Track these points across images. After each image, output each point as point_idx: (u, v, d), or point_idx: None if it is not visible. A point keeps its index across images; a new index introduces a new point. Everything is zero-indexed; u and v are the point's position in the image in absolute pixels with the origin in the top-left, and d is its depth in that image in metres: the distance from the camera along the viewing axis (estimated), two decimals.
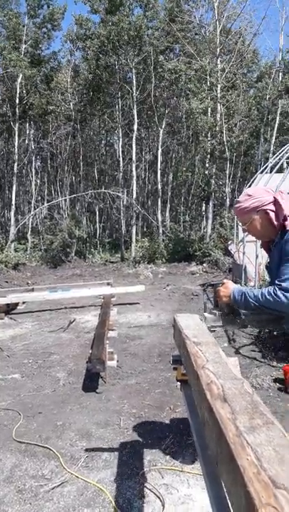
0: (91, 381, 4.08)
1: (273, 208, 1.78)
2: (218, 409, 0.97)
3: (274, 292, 1.65)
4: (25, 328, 6.52)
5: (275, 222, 1.77)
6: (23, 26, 17.43)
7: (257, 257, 6.55)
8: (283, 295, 1.63)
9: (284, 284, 1.64)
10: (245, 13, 16.43)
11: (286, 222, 1.74)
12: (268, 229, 1.81)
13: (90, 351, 4.41)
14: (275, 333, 4.98)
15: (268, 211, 1.78)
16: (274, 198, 1.79)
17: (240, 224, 1.96)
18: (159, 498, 2.30)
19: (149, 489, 2.39)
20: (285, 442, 0.79)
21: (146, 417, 3.32)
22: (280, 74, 18.78)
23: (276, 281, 1.68)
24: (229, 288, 1.85)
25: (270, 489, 0.66)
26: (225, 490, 0.97)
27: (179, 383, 2.08)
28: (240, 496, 0.72)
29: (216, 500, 1.13)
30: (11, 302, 7.70)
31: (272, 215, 1.78)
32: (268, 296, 1.67)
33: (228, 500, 0.85)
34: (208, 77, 14.88)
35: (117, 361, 4.60)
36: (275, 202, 1.78)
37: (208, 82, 15.03)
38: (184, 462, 2.64)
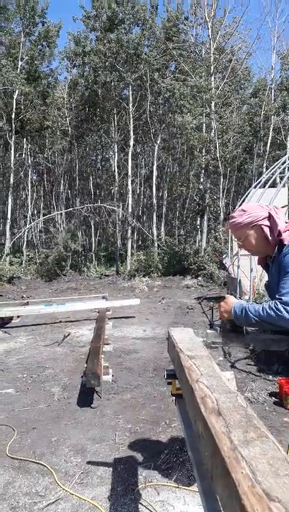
0: (86, 396, 4.05)
1: (268, 224, 1.78)
2: (212, 423, 0.98)
3: (275, 307, 1.63)
4: (19, 342, 6.47)
5: (270, 238, 1.77)
6: (19, 43, 17.74)
7: (251, 270, 6.59)
8: (284, 309, 1.60)
9: (285, 298, 1.62)
10: (240, 32, 16.87)
11: (282, 237, 1.74)
12: (262, 244, 1.81)
13: (85, 365, 4.39)
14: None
15: (263, 226, 1.78)
16: (268, 213, 1.79)
17: (235, 239, 1.97)
18: None
19: (145, 506, 2.36)
20: (279, 455, 0.81)
21: (141, 432, 3.29)
22: (272, 91, 19.21)
23: (277, 296, 1.66)
24: (230, 303, 1.81)
25: (264, 502, 0.67)
26: (220, 504, 0.98)
27: (173, 398, 2.08)
28: (236, 509, 0.72)
29: None
30: (5, 316, 7.66)
31: (266, 230, 1.78)
32: (269, 311, 1.64)
33: None
34: (202, 94, 15.16)
35: (112, 376, 4.57)
36: (270, 217, 1.78)
37: (203, 99, 15.31)
38: (180, 478, 2.62)
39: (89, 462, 2.87)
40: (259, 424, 0.95)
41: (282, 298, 1.63)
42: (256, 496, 0.69)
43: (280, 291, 1.66)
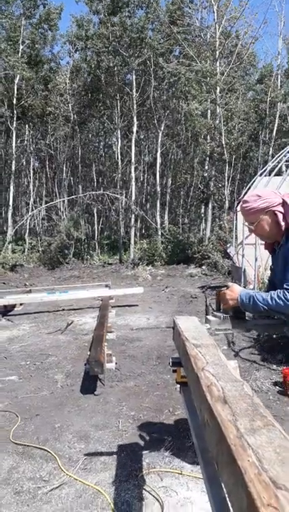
0: (89, 383, 4.07)
1: (282, 210, 1.82)
2: (218, 411, 0.97)
3: (284, 296, 1.69)
4: (22, 330, 6.50)
5: (282, 223, 1.81)
6: (19, 27, 17.46)
7: (256, 259, 6.56)
8: None
9: None
10: (246, 16, 16.51)
11: None
12: (274, 230, 1.85)
13: (89, 353, 4.41)
14: (274, 335, 4.99)
15: (277, 212, 1.82)
16: (282, 199, 1.84)
17: (246, 224, 2.00)
18: (158, 500, 2.29)
19: (148, 492, 2.38)
20: (286, 444, 0.80)
21: (145, 419, 3.31)
22: (279, 77, 18.90)
23: (285, 285, 1.71)
24: (236, 291, 1.86)
25: (271, 490, 0.67)
26: (225, 491, 0.98)
27: (178, 386, 2.08)
28: (242, 497, 0.72)
29: (216, 502, 1.13)
30: (8, 303, 7.69)
31: (280, 216, 1.82)
32: (278, 300, 1.69)
33: (229, 502, 0.85)
34: (207, 79, 14.93)
35: (116, 363, 4.59)
36: (284, 203, 1.82)
37: (208, 84, 15.09)
38: (183, 465, 2.64)
39: (92, 448, 2.89)
40: (265, 413, 0.94)
41: None
42: (263, 484, 0.69)
43: (288, 279, 1.72)
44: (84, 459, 2.76)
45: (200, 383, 1.16)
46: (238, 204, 9.38)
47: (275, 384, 3.91)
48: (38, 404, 3.68)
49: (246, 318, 1.97)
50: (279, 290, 1.73)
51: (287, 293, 1.68)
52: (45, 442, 2.99)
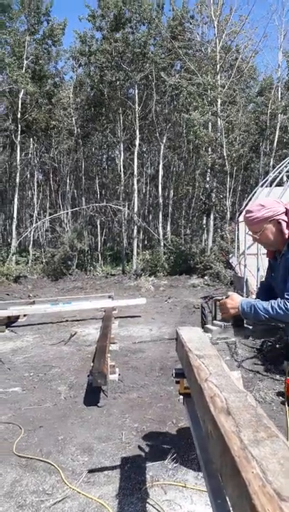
0: (92, 395, 4.05)
1: (285, 218, 1.86)
2: (222, 422, 0.97)
3: (284, 306, 1.72)
4: (26, 341, 6.50)
5: (286, 231, 1.85)
6: (24, 42, 17.79)
7: (258, 269, 6.56)
8: None
9: None
10: (246, 30, 16.77)
11: None
12: (278, 238, 1.89)
13: (92, 364, 4.40)
14: (277, 345, 4.96)
15: (281, 221, 1.85)
16: (286, 208, 1.87)
17: (249, 233, 2.02)
18: None
19: (152, 505, 2.36)
20: None
21: (148, 431, 3.29)
22: (279, 90, 19.10)
23: (285, 295, 1.74)
24: (236, 300, 1.88)
25: (275, 502, 0.67)
26: (230, 504, 0.97)
27: (181, 397, 2.08)
28: (246, 509, 0.72)
29: None
30: (12, 315, 7.69)
31: (284, 224, 1.85)
32: (278, 310, 1.72)
33: None
34: (208, 92, 15.11)
35: (119, 375, 4.58)
36: (287, 212, 1.86)
37: (209, 97, 15.26)
38: (187, 478, 2.61)
39: (95, 461, 2.87)
40: (269, 424, 0.94)
41: None
42: (267, 496, 0.69)
43: (288, 289, 1.75)
44: (87, 471, 2.74)
45: (203, 394, 1.16)
46: (240, 214, 9.40)
47: (279, 394, 3.88)
48: (41, 416, 3.66)
49: (244, 325, 1.99)
50: (279, 300, 1.76)
51: (287, 303, 1.71)
52: (48, 455, 2.97)
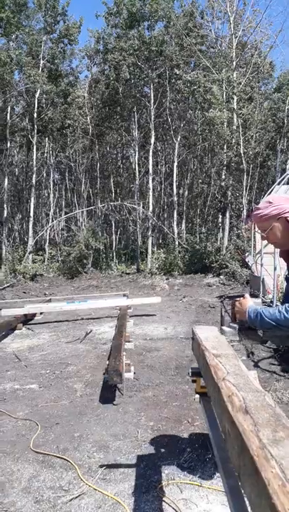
0: (108, 393, 4.07)
1: None
2: (240, 421, 0.97)
3: None
4: (42, 339, 6.57)
5: None
6: (40, 42, 17.96)
7: (275, 268, 6.48)
8: None
9: None
10: (261, 26, 16.55)
11: None
12: (287, 237, 1.79)
13: (107, 362, 4.42)
14: None
15: None
16: None
17: (258, 231, 1.95)
18: None
19: (168, 503, 2.36)
20: None
21: (163, 429, 3.29)
22: None
23: None
24: (245, 306, 1.79)
25: None
26: (247, 503, 0.97)
27: (197, 396, 2.07)
28: (265, 508, 0.72)
29: None
30: (28, 313, 7.79)
31: None
32: (286, 314, 1.59)
33: None
34: (224, 89, 14.99)
35: (134, 373, 4.59)
36: None
37: (225, 94, 15.13)
38: (203, 477, 2.60)
39: (111, 458, 2.89)
40: (288, 424, 0.93)
41: None
42: (287, 495, 0.69)
43: None
44: (103, 468, 2.76)
45: (221, 393, 1.16)
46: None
47: None
48: (57, 413, 3.70)
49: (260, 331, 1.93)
50: (287, 304, 1.63)
51: None
52: (64, 451, 3.00)
